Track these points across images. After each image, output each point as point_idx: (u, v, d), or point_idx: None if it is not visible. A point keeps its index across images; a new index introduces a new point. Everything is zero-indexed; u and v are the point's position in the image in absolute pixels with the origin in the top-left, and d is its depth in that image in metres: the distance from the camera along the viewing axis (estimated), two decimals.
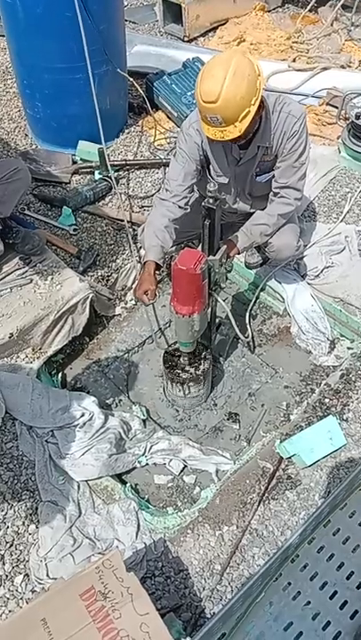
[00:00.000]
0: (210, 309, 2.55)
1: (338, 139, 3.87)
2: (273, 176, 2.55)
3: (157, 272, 2.49)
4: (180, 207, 2.52)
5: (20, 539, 2.17)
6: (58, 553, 2.11)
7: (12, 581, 2.06)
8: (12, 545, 2.15)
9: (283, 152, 2.42)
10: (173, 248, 2.71)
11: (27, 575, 2.08)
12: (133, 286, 3.22)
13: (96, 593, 1.58)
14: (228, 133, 2.16)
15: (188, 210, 2.56)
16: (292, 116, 2.34)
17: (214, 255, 2.32)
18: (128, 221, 3.29)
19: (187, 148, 2.48)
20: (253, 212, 2.67)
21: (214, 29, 5.25)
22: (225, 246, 2.38)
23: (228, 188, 2.66)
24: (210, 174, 2.60)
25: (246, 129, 2.17)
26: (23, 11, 3.15)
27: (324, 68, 4.57)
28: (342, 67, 4.65)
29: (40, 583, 2.04)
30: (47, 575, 2.06)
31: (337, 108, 4.08)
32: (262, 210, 2.63)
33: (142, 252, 3.23)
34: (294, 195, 2.54)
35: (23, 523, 2.21)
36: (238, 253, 2.59)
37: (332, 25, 5.10)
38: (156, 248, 2.47)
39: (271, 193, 2.61)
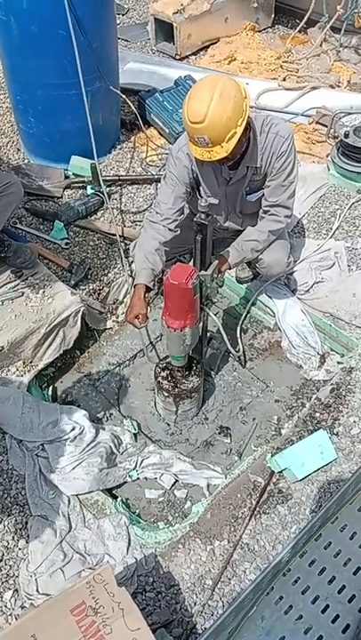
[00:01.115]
0: (201, 324, 2.57)
1: (327, 157, 3.93)
2: (263, 194, 2.59)
3: (148, 294, 2.52)
4: (170, 230, 2.55)
5: (10, 553, 2.15)
6: (48, 568, 2.09)
7: (2, 597, 2.04)
8: (1, 560, 2.13)
9: (272, 171, 2.46)
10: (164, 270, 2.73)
11: (16, 591, 2.06)
12: (125, 300, 3.23)
13: (87, 608, 1.57)
14: (215, 154, 2.20)
15: (178, 232, 2.59)
16: (280, 136, 2.38)
17: (206, 270, 2.34)
18: (120, 236, 3.31)
19: (176, 171, 2.51)
20: (244, 229, 2.70)
21: (206, 48, 5.32)
22: (217, 261, 2.41)
23: (219, 208, 2.69)
24: (200, 195, 2.63)
25: (233, 150, 2.20)
26: (17, 28, 3.19)
27: (314, 88, 4.64)
28: (331, 86, 4.73)
29: (30, 599, 2.02)
30: (37, 590, 2.04)
31: (326, 126, 4.14)
32: (253, 226, 2.67)
33: (134, 266, 3.25)
34: (284, 212, 2.58)
35: (13, 537, 2.19)
36: (230, 268, 2.62)
37: (321, 45, 5.19)
38: (147, 271, 2.50)
39: (261, 210, 2.64)
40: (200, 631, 1.96)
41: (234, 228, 2.84)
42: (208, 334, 2.82)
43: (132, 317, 2.46)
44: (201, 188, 2.61)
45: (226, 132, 2.13)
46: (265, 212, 2.62)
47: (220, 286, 2.49)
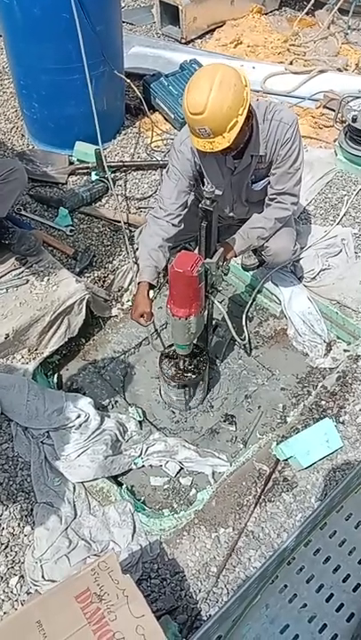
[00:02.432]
0: (206, 312, 2.55)
1: (334, 142, 3.88)
2: (268, 182, 2.55)
3: (151, 291, 2.52)
4: (173, 225, 2.53)
5: (16, 540, 2.16)
6: (53, 555, 2.10)
7: (7, 583, 2.05)
8: (7, 546, 2.14)
9: (277, 159, 2.43)
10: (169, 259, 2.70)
11: (22, 577, 2.07)
12: (130, 288, 3.22)
13: (92, 595, 1.58)
14: (217, 144, 2.16)
15: (182, 227, 2.57)
16: (283, 123, 2.34)
17: (211, 258, 2.32)
18: (125, 222, 3.28)
19: (179, 165, 2.48)
20: (250, 217, 2.68)
21: (211, 31, 5.25)
22: (222, 249, 2.38)
23: (224, 199, 2.66)
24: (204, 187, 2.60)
25: (235, 139, 2.16)
26: (20, 12, 3.14)
27: (321, 71, 4.58)
28: (339, 70, 4.67)
29: (35, 585, 2.03)
30: (42, 577, 2.05)
31: (334, 110, 4.09)
32: (259, 213, 2.64)
33: (138, 254, 3.24)
34: (291, 200, 2.55)
35: (18, 524, 2.20)
36: (235, 256, 2.60)
37: (328, 28, 5.11)
38: (150, 269, 2.49)
39: (267, 198, 2.61)
40: (205, 618, 1.97)
41: (240, 217, 2.81)
42: (213, 322, 2.81)
43: (137, 316, 2.47)
44: (205, 180, 2.58)
45: (227, 121, 2.09)
46: (271, 199, 2.59)
47: (226, 274, 2.47)
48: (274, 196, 2.56)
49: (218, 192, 2.58)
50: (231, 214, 2.78)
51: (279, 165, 2.44)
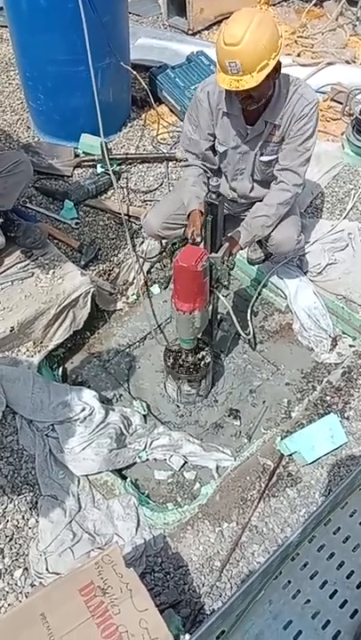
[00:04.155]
0: (211, 306, 2.54)
1: (342, 135, 3.85)
2: (277, 159, 2.53)
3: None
4: (204, 169, 2.62)
5: (20, 532, 2.17)
6: (57, 547, 2.11)
7: (12, 575, 2.06)
8: (11, 539, 2.15)
9: (290, 134, 2.42)
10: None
11: (26, 569, 2.08)
12: (135, 281, 3.21)
13: (95, 588, 1.58)
14: (245, 83, 2.14)
15: (215, 166, 2.66)
16: (304, 98, 2.34)
17: (216, 252, 2.30)
18: (125, 214, 3.26)
19: (197, 113, 2.52)
20: (253, 202, 2.66)
21: (219, 23, 5.19)
22: (227, 244, 2.37)
23: (229, 167, 2.67)
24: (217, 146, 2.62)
25: (261, 86, 2.16)
26: (26, 2, 3.13)
27: (329, 63, 4.53)
28: (347, 62, 4.62)
29: (39, 577, 2.04)
30: (47, 569, 2.06)
31: (341, 103, 4.06)
32: (260, 201, 2.62)
33: (143, 247, 3.23)
34: (294, 179, 2.51)
35: (23, 517, 2.21)
36: (241, 249, 2.58)
37: (337, 20, 5.06)
38: (194, 199, 2.52)
39: (273, 182, 2.59)
40: (208, 612, 1.97)
41: (242, 194, 2.79)
42: (218, 316, 2.80)
43: (190, 233, 2.44)
44: (216, 141, 2.58)
45: (259, 60, 2.09)
46: (275, 181, 2.57)
47: (231, 269, 2.46)
48: (278, 174, 2.55)
49: (223, 148, 2.60)
50: (234, 185, 2.76)
51: (290, 141, 2.44)
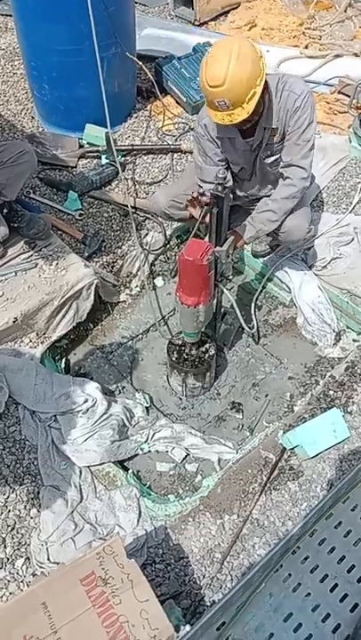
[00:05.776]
0: (215, 300, 2.53)
1: (349, 128, 3.82)
2: (280, 158, 2.53)
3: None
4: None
5: (22, 522, 2.18)
6: (59, 537, 2.12)
7: (13, 564, 2.07)
8: (13, 528, 2.16)
9: (288, 130, 2.42)
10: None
11: (28, 558, 2.09)
12: (139, 274, 3.20)
13: (97, 578, 1.59)
14: (237, 116, 2.17)
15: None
16: (293, 92, 2.33)
17: (221, 246, 2.29)
18: (132, 206, 3.25)
19: (204, 144, 2.54)
20: (263, 196, 2.66)
21: (226, 13, 5.15)
22: (232, 237, 2.36)
23: (243, 174, 2.68)
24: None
25: (254, 110, 2.18)
26: None
27: (337, 56, 4.49)
28: (355, 54, 4.57)
29: (41, 567, 2.06)
30: (48, 559, 2.07)
31: (349, 96, 4.02)
32: (268, 196, 2.61)
33: (147, 238, 3.21)
34: (299, 174, 2.50)
35: (25, 507, 2.22)
36: (246, 244, 2.57)
37: (345, 11, 5.00)
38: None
39: (280, 178, 2.58)
40: (208, 603, 1.98)
41: (251, 194, 2.79)
42: (222, 310, 2.79)
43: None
44: (230, 163, 2.60)
45: (246, 92, 2.11)
46: (282, 177, 2.56)
47: (236, 263, 2.45)
48: (283, 171, 2.55)
49: (236, 169, 2.61)
50: (244, 191, 2.78)
51: (290, 137, 2.44)
